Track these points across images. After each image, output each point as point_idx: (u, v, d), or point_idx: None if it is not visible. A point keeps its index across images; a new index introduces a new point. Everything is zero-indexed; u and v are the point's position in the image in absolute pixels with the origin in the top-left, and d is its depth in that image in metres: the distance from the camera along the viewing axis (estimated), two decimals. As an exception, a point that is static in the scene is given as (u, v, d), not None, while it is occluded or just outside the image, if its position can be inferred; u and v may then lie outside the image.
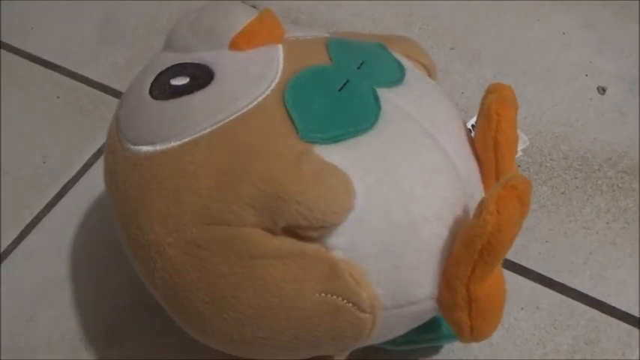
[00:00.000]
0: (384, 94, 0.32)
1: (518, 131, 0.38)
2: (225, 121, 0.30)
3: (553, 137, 0.51)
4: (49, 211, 0.50)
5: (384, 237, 0.28)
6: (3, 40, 0.63)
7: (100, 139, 0.54)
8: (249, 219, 0.27)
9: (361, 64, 0.34)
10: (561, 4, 0.59)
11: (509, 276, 0.44)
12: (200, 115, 0.30)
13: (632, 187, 0.48)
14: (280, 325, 0.29)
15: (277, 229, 0.27)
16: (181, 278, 0.29)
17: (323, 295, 0.28)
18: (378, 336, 0.31)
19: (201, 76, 0.32)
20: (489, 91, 0.34)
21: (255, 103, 0.31)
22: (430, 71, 0.39)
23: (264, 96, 0.31)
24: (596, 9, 0.59)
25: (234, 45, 0.33)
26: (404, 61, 0.36)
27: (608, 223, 0.46)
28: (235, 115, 0.30)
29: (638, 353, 0.40)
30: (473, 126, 0.37)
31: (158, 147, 0.30)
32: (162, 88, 0.32)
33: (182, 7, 0.64)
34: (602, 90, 0.53)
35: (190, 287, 0.29)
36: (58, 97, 0.58)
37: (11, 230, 0.49)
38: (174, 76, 0.32)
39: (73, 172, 0.52)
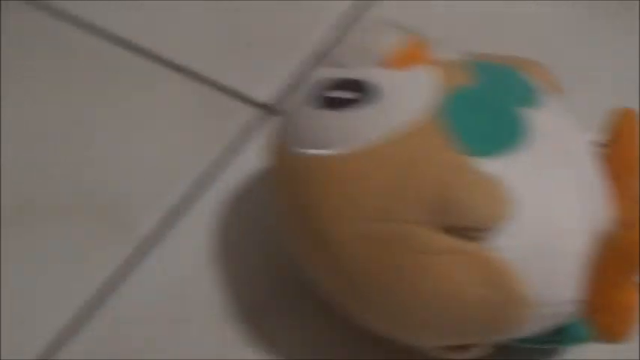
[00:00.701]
0: (528, 114, 0.36)
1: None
2: (391, 134, 0.34)
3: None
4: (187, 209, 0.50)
5: (538, 242, 0.32)
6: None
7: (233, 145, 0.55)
8: (419, 218, 0.32)
9: (503, 84, 0.38)
10: None
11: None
12: (367, 126, 0.35)
13: None
14: (440, 314, 0.33)
15: (443, 228, 0.32)
16: (358, 268, 0.34)
17: (482, 290, 0.32)
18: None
19: (365, 91, 0.36)
20: (617, 113, 0.37)
21: (415, 119, 0.35)
22: (558, 93, 0.42)
23: (422, 113, 0.35)
24: None
25: (392, 65, 0.38)
26: (537, 82, 0.40)
27: None
28: (399, 129, 0.34)
29: None
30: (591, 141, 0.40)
31: (330, 151, 0.35)
32: (329, 101, 0.37)
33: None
34: None
35: (365, 276, 0.34)
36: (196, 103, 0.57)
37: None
38: (341, 89, 0.37)
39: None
